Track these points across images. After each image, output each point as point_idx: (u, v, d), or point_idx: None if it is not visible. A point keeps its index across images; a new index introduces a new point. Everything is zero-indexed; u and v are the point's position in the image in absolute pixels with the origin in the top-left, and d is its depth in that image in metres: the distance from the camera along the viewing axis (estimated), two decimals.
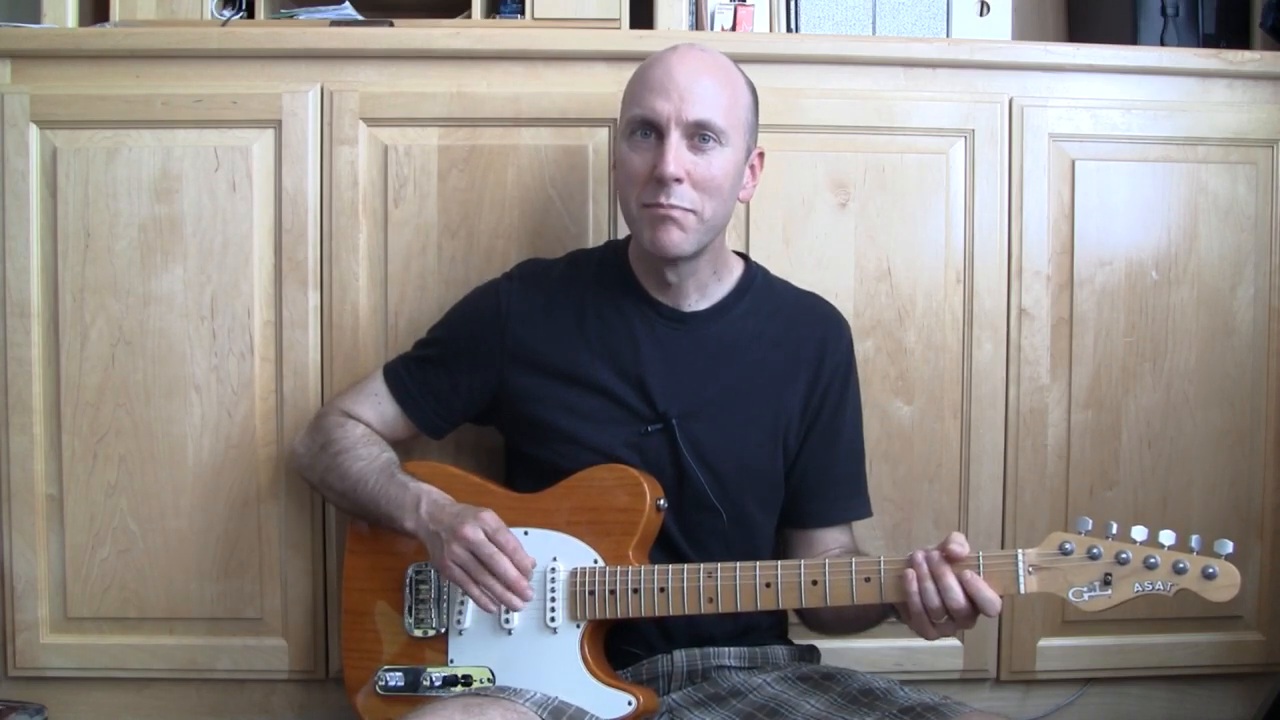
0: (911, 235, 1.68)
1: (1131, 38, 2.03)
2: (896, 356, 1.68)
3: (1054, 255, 1.70)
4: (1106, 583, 1.14)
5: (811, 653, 1.46)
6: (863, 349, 1.63)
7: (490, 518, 1.28)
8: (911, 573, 1.18)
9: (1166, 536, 1.13)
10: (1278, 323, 1.74)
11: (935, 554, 1.18)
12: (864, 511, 1.46)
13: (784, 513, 1.45)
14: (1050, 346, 1.70)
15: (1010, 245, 1.69)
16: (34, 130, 1.61)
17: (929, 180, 1.68)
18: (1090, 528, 1.16)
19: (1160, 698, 1.78)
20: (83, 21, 2.13)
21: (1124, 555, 1.14)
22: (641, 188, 1.31)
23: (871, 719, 1.22)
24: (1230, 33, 2.04)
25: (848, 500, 1.45)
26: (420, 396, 1.47)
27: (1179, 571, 1.12)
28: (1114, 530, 1.15)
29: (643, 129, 1.31)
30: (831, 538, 1.43)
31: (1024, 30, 2.43)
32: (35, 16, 2.05)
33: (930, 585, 1.17)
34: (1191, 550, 1.13)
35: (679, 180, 1.28)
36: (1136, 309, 1.72)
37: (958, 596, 1.16)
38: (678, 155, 1.28)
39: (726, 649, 1.38)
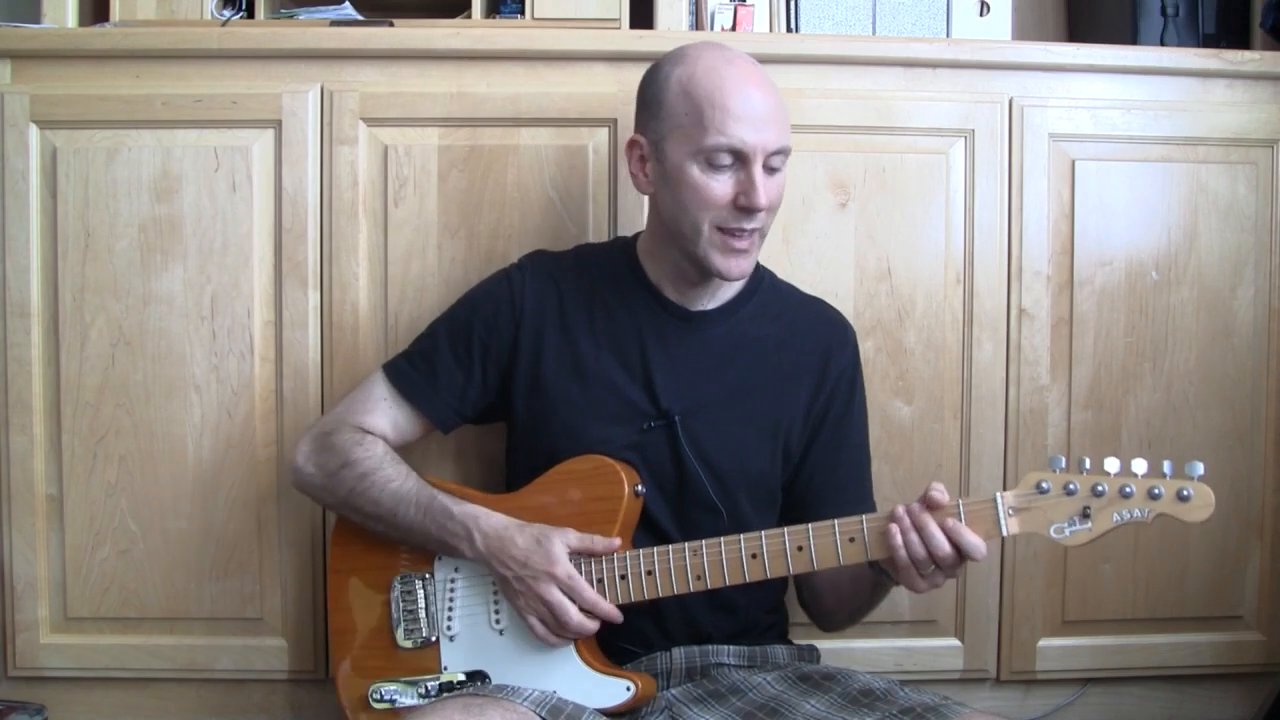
0: (911, 235, 1.68)
1: (1131, 38, 2.02)
2: (896, 356, 1.68)
3: (1054, 255, 1.70)
4: (1085, 516, 1.16)
5: (811, 653, 1.46)
6: (863, 349, 1.62)
7: (562, 570, 1.28)
8: (894, 526, 1.19)
9: (1139, 465, 1.15)
10: (1278, 323, 1.74)
11: (916, 505, 1.20)
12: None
13: (790, 518, 1.45)
14: (1050, 346, 1.70)
15: (1010, 245, 1.69)
16: (34, 130, 1.61)
17: (929, 180, 1.68)
18: (1064, 465, 1.17)
19: (1160, 698, 1.78)
20: (83, 21, 2.14)
21: (1100, 487, 1.15)
22: (718, 211, 1.30)
23: (871, 719, 1.22)
24: (1230, 33, 2.04)
25: (853, 506, 1.42)
26: (431, 389, 1.43)
27: (1154, 497, 1.14)
28: (1088, 464, 1.17)
29: (725, 155, 1.29)
30: None
31: (1024, 30, 2.43)
32: (35, 16, 2.05)
33: (914, 536, 1.18)
34: (1164, 475, 1.14)
35: (765, 206, 1.30)
36: (1136, 309, 1.72)
37: (942, 544, 1.17)
38: (765, 183, 1.29)
39: (726, 647, 1.38)
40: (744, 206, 1.29)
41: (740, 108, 1.28)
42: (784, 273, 1.51)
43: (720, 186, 1.30)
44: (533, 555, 1.29)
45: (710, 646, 1.38)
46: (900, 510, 1.20)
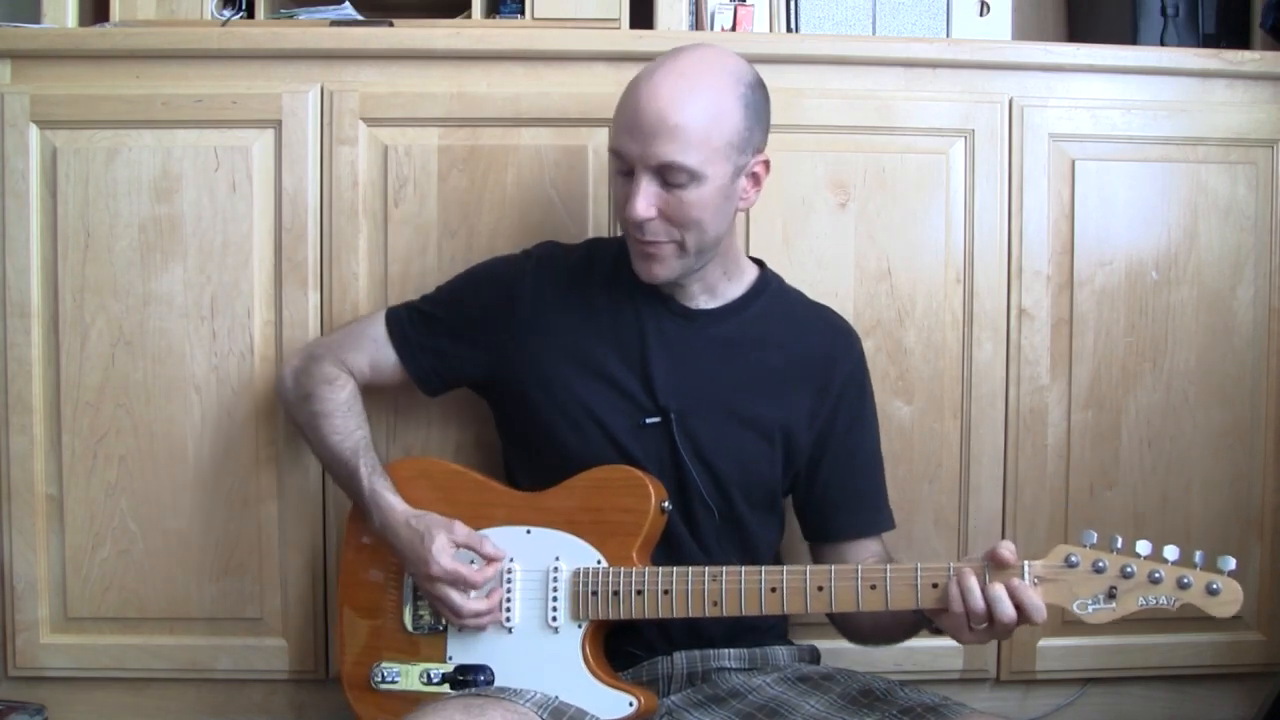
0: (911, 235, 1.68)
1: (1131, 38, 2.02)
2: (896, 356, 1.68)
3: (1054, 255, 1.70)
4: (1111, 596, 1.15)
5: (811, 653, 1.46)
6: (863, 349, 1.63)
7: (437, 569, 1.30)
8: (955, 585, 1.17)
9: (1170, 551, 1.14)
10: (1278, 323, 1.74)
11: (979, 564, 1.18)
12: (888, 524, 1.45)
13: (811, 528, 1.45)
14: (1050, 346, 1.70)
15: (1010, 245, 1.69)
16: (34, 130, 1.61)
17: (929, 180, 1.68)
18: (1095, 540, 1.16)
19: (1160, 698, 1.78)
20: (83, 21, 2.13)
21: (1129, 569, 1.14)
22: (621, 214, 1.31)
23: (871, 719, 1.22)
24: (1230, 33, 2.04)
25: (872, 513, 1.44)
26: (420, 351, 1.46)
27: (1183, 587, 1.13)
28: (1119, 544, 1.15)
29: (617, 160, 1.30)
30: (865, 549, 1.42)
31: (1024, 30, 2.42)
32: (35, 16, 2.05)
33: (977, 595, 1.16)
34: (1195, 565, 1.13)
35: (649, 219, 1.28)
36: (1136, 309, 1.72)
37: (1007, 607, 1.15)
38: (646, 196, 1.26)
39: (726, 650, 1.38)
40: (626, 216, 1.29)
41: (629, 117, 1.27)
42: (784, 272, 1.51)
43: (620, 190, 1.31)
44: (412, 549, 1.33)
45: (711, 650, 1.38)
46: (968, 572, 1.17)
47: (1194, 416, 1.73)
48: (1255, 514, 1.75)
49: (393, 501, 1.38)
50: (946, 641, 1.69)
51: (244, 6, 2.25)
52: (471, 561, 1.33)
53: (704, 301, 1.40)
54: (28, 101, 1.61)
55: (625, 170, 1.29)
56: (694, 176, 1.26)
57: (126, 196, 1.62)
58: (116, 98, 1.62)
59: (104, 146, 1.61)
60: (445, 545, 1.31)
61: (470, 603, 1.31)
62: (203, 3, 2.22)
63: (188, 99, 1.61)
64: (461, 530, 1.33)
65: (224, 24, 2.02)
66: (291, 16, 2.01)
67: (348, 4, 2.02)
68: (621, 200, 1.30)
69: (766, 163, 1.35)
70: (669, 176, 1.26)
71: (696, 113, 1.25)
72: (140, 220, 1.62)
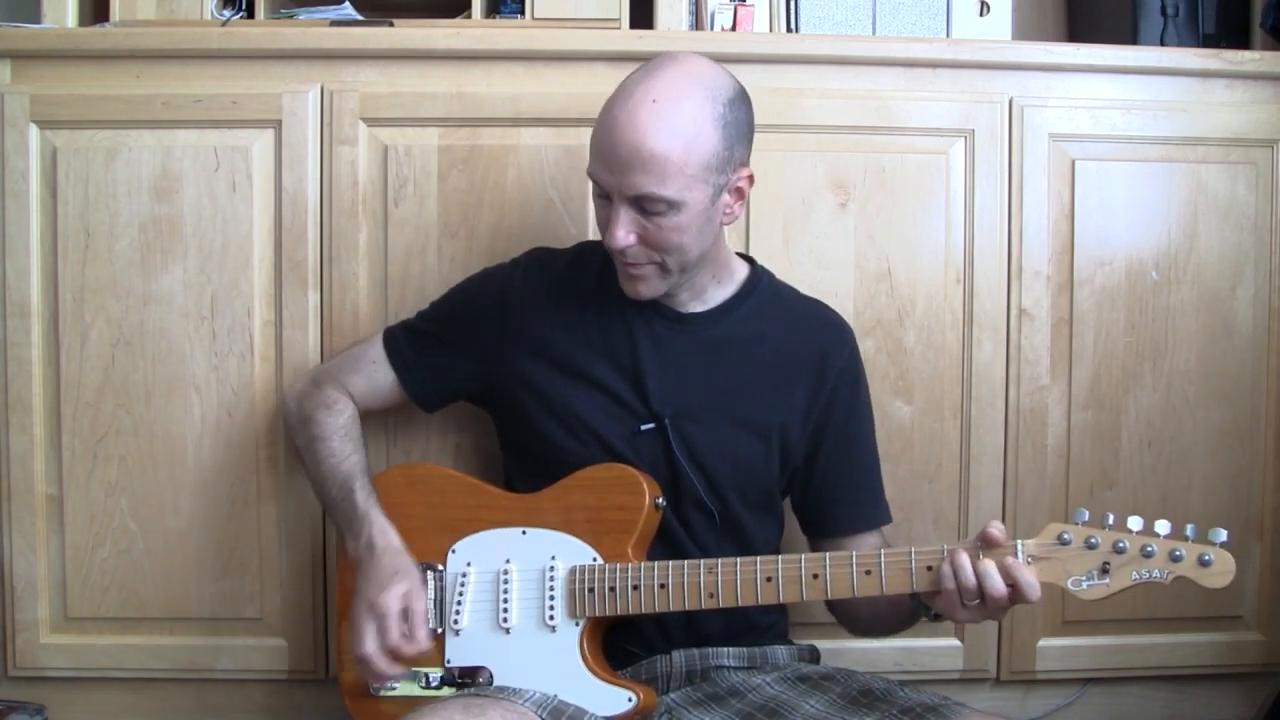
0: (911, 235, 1.68)
1: (1131, 38, 2.02)
2: (896, 356, 1.68)
3: (1054, 255, 1.70)
4: (1104, 571, 1.15)
5: (811, 653, 1.46)
6: (863, 349, 1.61)
7: (383, 602, 1.27)
8: (946, 567, 1.17)
9: (1162, 526, 1.14)
10: (1278, 323, 1.74)
11: (971, 543, 1.19)
12: (886, 517, 1.45)
13: (810, 523, 1.46)
14: (1050, 346, 1.70)
15: (1010, 245, 1.69)
16: (34, 130, 1.61)
17: (929, 180, 1.68)
18: (1087, 518, 1.17)
19: (1160, 698, 1.78)
20: (83, 21, 2.13)
21: (1121, 544, 1.15)
22: (603, 234, 1.31)
23: (871, 719, 1.22)
24: (1230, 33, 2.04)
25: (869, 506, 1.44)
26: (416, 369, 1.47)
27: (1175, 559, 1.13)
28: (1110, 520, 1.16)
29: (597, 185, 1.29)
30: (865, 542, 1.42)
31: (1024, 30, 2.42)
32: (35, 16, 2.05)
33: (968, 571, 1.16)
34: (1187, 538, 1.14)
35: (629, 246, 1.28)
36: (1136, 309, 1.72)
37: (997, 581, 1.15)
38: (625, 225, 1.26)
39: (726, 649, 1.38)
40: (607, 241, 1.29)
41: (603, 146, 1.26)
42: (783, 273, 1.51)
43: (600, 213, 1.31)
44: (382, 574, 1.29)
45: (710, 649, 1.38)
46: (960, 550, 1.18)
47: (1194, 416, 1.73)
48: (1255, 514, 1.75)
49: (386, 526, 1.35)
50: (947, 641, 1.71)
51: (244, 6, 2.25)
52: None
53: (694, 306, 1.40)
54: (28, 101, 1.61)
55: (604, 195, 1.29)
56: (672, 205, 1.25)
57: (126, 196, 1.62)
58: (116, 98, 1.62)
59: (104, 146, 1.61)
60: (398, 596, 1.28)
61: (374, 655, 1.26)
62: (203, 3, 2.22)
63: (188, 99, 1.61)
64: (421, 604, 1.29)
65: (224, 24, 2.02)
66: (291, 16, 2.01)
67: (348, 4, 2.02)
68: (602, 224, 1.30)
69: (750, 176, 1.33)
70: (647, 205, 1.25)
71: (671, 142, 1.23)
72: (140, 220, 1.62)
